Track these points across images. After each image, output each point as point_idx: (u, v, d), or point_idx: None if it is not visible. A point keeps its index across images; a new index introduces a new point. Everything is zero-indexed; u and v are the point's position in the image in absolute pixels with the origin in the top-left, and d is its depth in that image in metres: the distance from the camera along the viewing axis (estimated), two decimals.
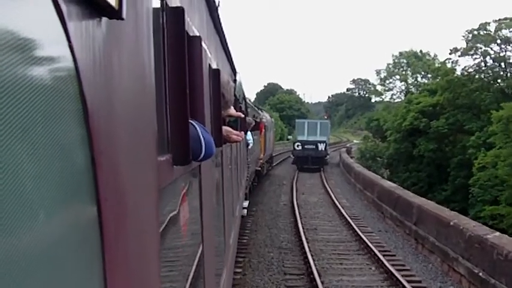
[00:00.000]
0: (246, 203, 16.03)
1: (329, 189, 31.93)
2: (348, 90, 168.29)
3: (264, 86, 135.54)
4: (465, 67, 50.68)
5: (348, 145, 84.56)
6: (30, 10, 0.89)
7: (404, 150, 52.33)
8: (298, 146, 44.84)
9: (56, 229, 0.95)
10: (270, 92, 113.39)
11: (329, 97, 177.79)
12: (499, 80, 50.43)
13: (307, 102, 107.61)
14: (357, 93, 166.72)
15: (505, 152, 36.09)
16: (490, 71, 50.28)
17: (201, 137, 2.48)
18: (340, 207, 24.91)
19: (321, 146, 44.54)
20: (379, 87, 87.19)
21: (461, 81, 48.19)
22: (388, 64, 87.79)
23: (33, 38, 0.88)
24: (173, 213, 2.30)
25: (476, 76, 49.40)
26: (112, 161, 1.22)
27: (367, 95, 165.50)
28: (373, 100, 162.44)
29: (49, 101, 0.91)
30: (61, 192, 0.97)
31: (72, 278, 1.03)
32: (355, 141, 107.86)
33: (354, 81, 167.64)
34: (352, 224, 20.38)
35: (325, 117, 64.06)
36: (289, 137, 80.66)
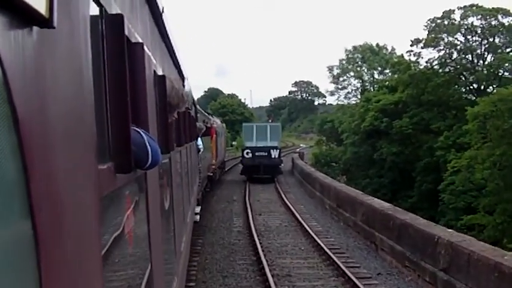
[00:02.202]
0: (198, 209, 15.98)
1: (290, 206, 25.73)
2: (290, 93, 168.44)
3: (205, 92, 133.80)
4: (429, 60, 45.52)
5: (298, 150, 77.74)
6: None
7: (363, 154, 47.82)
8: (248, 153, 38.94)
9: None
10: (211, 97, 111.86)
11: (271, 101, 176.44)
12: (465, 74, 45.28)
13: (249, 107, 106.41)
14: (299, 96, 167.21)
15: (483, 153, 31.56)
16: (455, 64, 45.04)
17: (147, 144, 2.47)
18: (312, 233, 18.56)
19: (274, 153, 38.89)
20: (331, 86, 79.98)
21: (426, 76, 43.03)
22: (341, 60, 78.64)
23: None
24: (117, 222, 2.27)
25: (440, 70, 44.42)
26: (46, 170, 1.21)
27: (310, 98, 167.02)
28: (316, 103, 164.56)
29: None
30: None
31: None
32: (302, 145, 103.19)
33: (296, 83, 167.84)
34: (338, 262, 14.32)
35: (270, 121, 57.68)
36: (234, 143, 76.04)
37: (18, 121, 1.04)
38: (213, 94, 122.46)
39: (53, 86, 1.29)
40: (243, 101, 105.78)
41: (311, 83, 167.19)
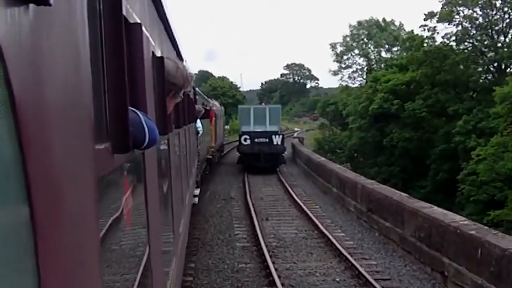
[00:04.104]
0: (197, 191, 16.03)
1: (304, 207, 20.77)
2: (282, 76, 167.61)
3: (195, 74, 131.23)
4: (445, 35, 40.21)
5: (295, 134, 71.53)
6: None
7: (371, 139, 43.19)
8: (246, 140, 33.95)
9: None
10: (202, 80, 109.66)
11: (262, 84, 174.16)
12: (485, 51, 40.00)
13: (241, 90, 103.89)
14: (291, 79, 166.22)
15: None
16: (474, 40, 40.12)
17: (144, 124, 2.47)
18: (344, 251, 13.97)
19: (277, 139, 33.72)
20: (335, 65, 71.08)
21: (443, 52, 37.84)
22: (345, 36, 71.45)
23: None
24: (114, 202, 2.28)
25: (457, 47, 39.51)
26: (43, 150, 1.21)
27: (302, 81, 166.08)
28: (308, 86, 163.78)
29: None
30: None
31: (3, 277, 1.01)
32: (296, 129, 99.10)
33: (288, 66, 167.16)
34: None
35: (263, 104, 52.41)
36: (226, 126, 69.37)
37: (14, 101, 1.03)
38: (203, 77, 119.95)
39: (49, 66, 1.28)
40: (234, 83, 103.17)
41: (303, 65, 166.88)
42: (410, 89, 40.03)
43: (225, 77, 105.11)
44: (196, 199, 15.67)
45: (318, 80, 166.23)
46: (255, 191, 26.37)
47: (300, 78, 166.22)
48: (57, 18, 1.35)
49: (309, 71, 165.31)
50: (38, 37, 1.20)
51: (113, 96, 1.99)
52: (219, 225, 18.36)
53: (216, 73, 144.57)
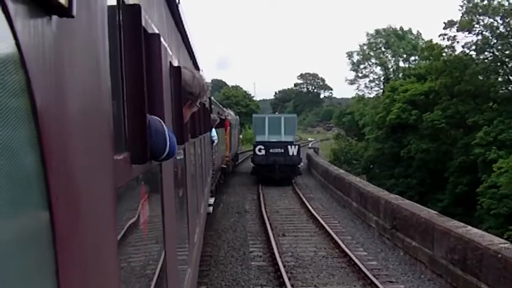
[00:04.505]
0: (211, 200, 16.02)
1: (322, 222, 19.47)
2: (295, 85, 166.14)
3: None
4: (465, 44, 38.82)
5: (310, 144, 71.01)
6: None
7: (388, 150, 42.14)
8: (260, 150, 32.59)
9: (5, 234, 0.94)
10: (215, 89, 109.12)
11: (276, 93, 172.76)
12: (506, 61, 38.37)
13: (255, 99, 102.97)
14: (305, 89, 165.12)
15: None
16: (495, 50, 38.55)
17: (167, 135, 2.48)
18: (368, 273, 12.88)
19: (293, 150, 32.39)
20: (351, 74, 72.03)
21: (463, 62, 36.80)
22: (362, 45, 69.59)
23: None
24: (132, 212, 2.28)
25: (475, 56, 38.16)
26: (64, 160, 1.21)
27: (315, 90, 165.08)
28: (322, 96, 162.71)
29: None
30: (9, 195, 0.96)
31: (23, 282, 1.02)
32: (309, 138, 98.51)
33: (301, 75, 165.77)
34: None
35: (277, 113, 50.83)
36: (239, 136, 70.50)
37: (36, 111, 1.04)
38: (216, 86, 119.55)
39: (71, 76, 1.29)
40: (248, 92, 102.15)
41: (317, 75, 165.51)
42: (429, 99, 38.91)
43: (238, 86, 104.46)
44: (211, 208, 15.66)
45: (331, 89, 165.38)
46: (270, 203, 25.14)
47: (313, 87, 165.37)
48: (78, 29, 1.36)
49: (323, 80, 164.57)
50: (60, 48, 1.22)
51: (132, 106, 2.00)
52: (232, 241, 17.16)
53: (229, 82, 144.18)
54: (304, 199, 25.97)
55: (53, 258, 1.12)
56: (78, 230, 1.30)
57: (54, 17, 1.17)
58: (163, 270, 3.07)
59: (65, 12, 1.16)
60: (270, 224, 19.12)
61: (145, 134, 2.06)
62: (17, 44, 0.98)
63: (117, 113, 1.82)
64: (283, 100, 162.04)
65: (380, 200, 18.13)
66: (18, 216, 1.01)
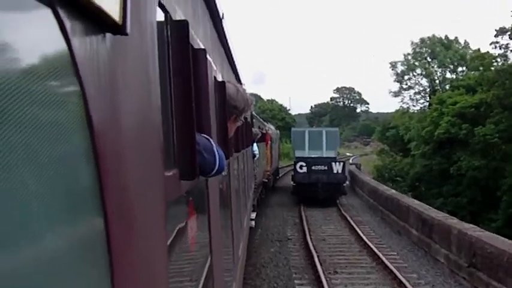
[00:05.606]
0: (253, 215, 15.98)
1: (380, 255, 16.30)
2: (331, 99, 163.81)
3: None
4: None
5: (351, 160, 67.53)
6: (33, 27, 0.89)
7: (436, 167, 38.99)
8: (301, 167, 29.25)
9: (63, 247, 0.94)
10: None
11: (312, 107, 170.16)
12: None
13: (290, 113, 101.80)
14: (341, 103, 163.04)
15: None
16: None
17: (216, 152, 2.47)
18: None
19: (337, 167, 29.00)
20: (395, 86, 65.76)
21: None
22: (407, 55, 64.69)
23: (37, 54, 0.88)
24: (181, 227, 2.28)
25: None
26: (119, 178, 1.22)
27: (352, 104, 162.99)
28: (358, 110, 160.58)
29: (53, 118, 0.91)
30: (68, 211, 0.96)
31: None
32: (347, 153, 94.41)
33: (337, 89, 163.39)
34: None
35: (314, 127, 46.00)
36: None
37: (93, 128, 1.05)
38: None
39: (124, 93, 1.30)
40: (283, 106, 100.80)
41: (353, 89, 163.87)
42: (480, 111, 35.95)
43: (274, 100, 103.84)
44: (253, 222, 15.62)
45: (368, 103, 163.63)
46: (314, 228, 21.99)
47: (350, 102, 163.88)
48: (131, 46, 1.37)
49: (359, 94, 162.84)
50: (114, 64, 1.23)
51: (180, 122, 2.01)
52: (274, 281, 14.07)
53: (265, 96, 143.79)
54: (352, 223, 22.90)
55: (108, 268, 1.14)
56: (132, 244, 1.31)
57: (108, 35, 1.18)
58: (210, 283, 3.06)
59: (119, 30, 1.17)
60: (318, 257, 16.15)
61: (194, 150, 2.06)
62: (73, 61, 0.99)
63: (166, 129, 1.83)
64: (319, 114, 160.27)
65: (451, 229, 15.17)
66: (77, 227, 1.03)
